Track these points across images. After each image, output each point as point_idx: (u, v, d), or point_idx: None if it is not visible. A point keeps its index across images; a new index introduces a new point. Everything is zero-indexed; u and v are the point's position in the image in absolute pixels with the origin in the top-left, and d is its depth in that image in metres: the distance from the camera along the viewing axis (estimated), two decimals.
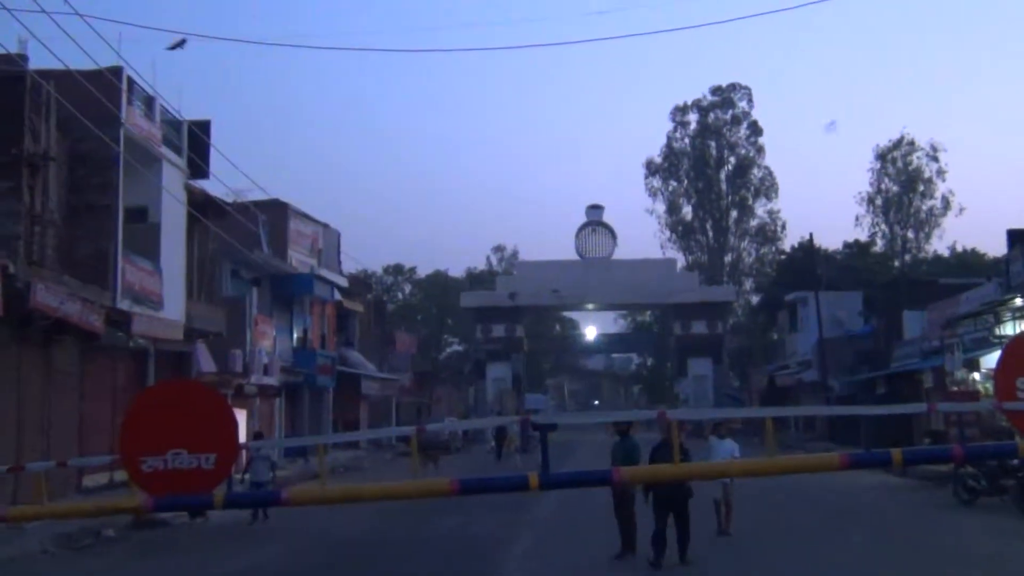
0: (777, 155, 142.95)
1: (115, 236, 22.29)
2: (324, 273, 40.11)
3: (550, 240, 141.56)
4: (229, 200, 29.30)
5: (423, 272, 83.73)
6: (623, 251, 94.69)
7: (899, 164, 68.26)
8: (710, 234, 75.61)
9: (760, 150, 76.00)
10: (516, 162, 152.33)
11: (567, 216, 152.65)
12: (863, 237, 65.64)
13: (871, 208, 68.19)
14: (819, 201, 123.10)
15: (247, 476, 17.31)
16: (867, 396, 37.40)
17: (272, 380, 32.72)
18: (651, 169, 77.04)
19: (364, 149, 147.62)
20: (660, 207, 76.64)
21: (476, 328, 62.94)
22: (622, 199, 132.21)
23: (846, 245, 63.04)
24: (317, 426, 38.32)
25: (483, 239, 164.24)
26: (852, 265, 57.23)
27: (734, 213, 75.78)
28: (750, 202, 75.54)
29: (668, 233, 76.07)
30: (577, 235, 63.94)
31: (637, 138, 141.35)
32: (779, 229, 75.11)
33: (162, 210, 24.64)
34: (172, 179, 25.27)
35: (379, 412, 49.14)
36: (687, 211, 76.73)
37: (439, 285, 73.10)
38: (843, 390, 41.67)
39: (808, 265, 47.43)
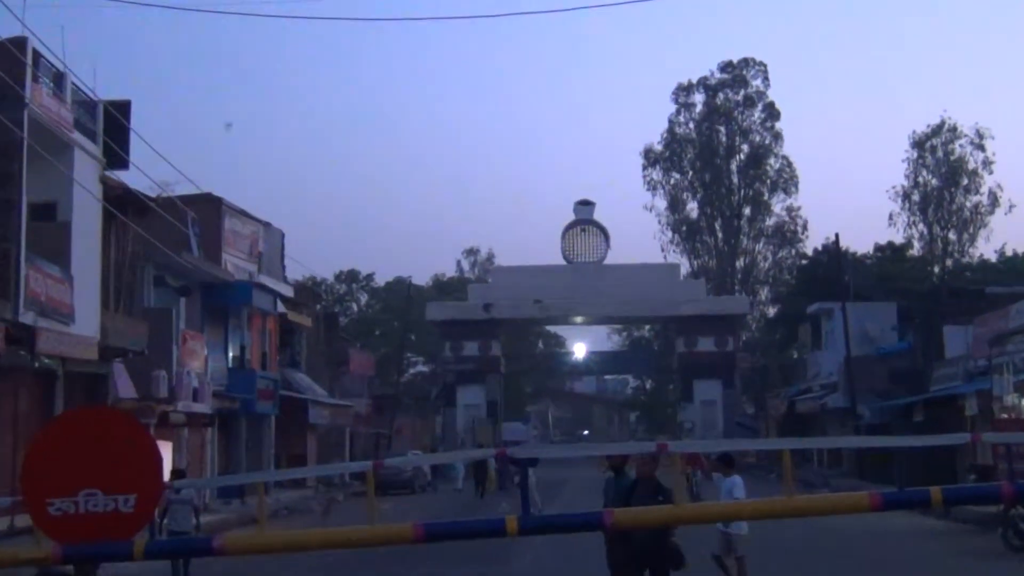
0: (797, 143, 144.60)
1: (17, 237, 22.16)
2: (265, 280, 39.97)
3: (531, 242, 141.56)
4: (153, 195, 29.21)
5: (382, 279, 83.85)
6: (617, 255, 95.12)
7: (939, 154, 68.77)
8: (719, 235, 75.99)
9: (777, 137, 76.56)
10: (490, 152, 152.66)
11: (551, 214, 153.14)
12: (897, 239, 66.19)
13: (907, 205, 68.74)
14: (846, 197, 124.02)
15: (165, 523, 17.10)
16: (902, 425, 37.60)
17: (203, 407, 32.58)
18: (650, 159, 77.38)
19: (313, 138, 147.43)
20: (660, 203, 77.08)
21: (444, 345, 62.93)
22: (616, 194, 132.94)
23: (878, 248, 63.49)
24: (256, 461, 38.15)
25: (452, 241, 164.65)
26: (885, 272, 57.59)
27: (747, 210, 76.21)
28: (766, 197, 76.01)
29: (670, 234, 76.50)
30: (563, 236, 64.13)
31: (633, 123, 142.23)
32: (800, 229, 75.70)
33: (73, 206, 24.51)
34: (85, 170, 25.14)
35: (330, 444, 48.94)
36: (692, 208, 77.15)
37: (401, 295, 72.89)
38: (874, 418, 41.85)
39: (834, 271, 47.68)
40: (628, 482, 11.50)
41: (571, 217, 64.45)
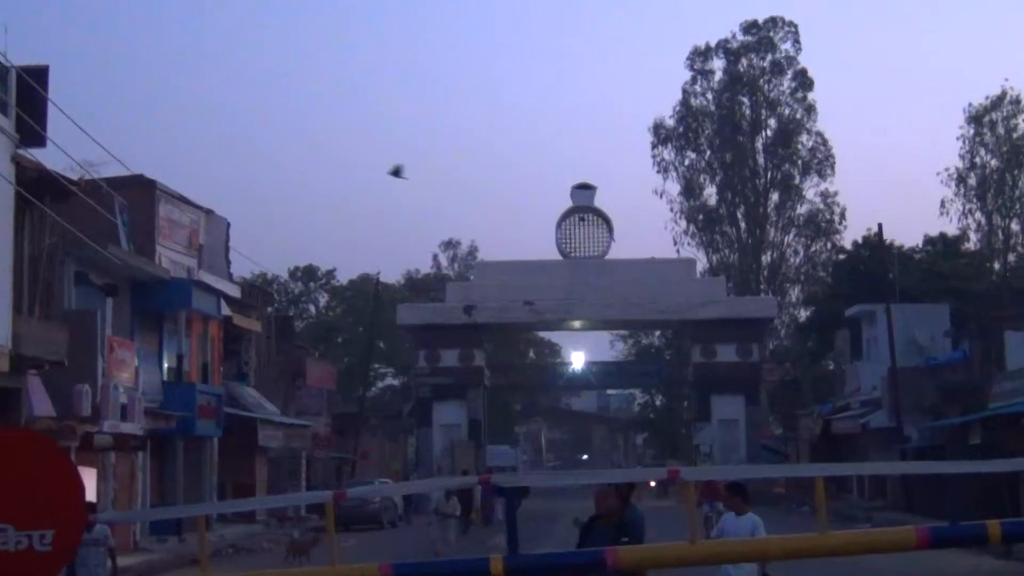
0: (833, 117, 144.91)
1: None
2: (207, 278, 39.90)
3: (521, 233, 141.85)
4: (75, 177, 29.13)
5: (344, 276, 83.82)
6: (622, 248, 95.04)
7: (999, 130, 68.82)
8: (742, 225, 76.10)
9: (810, 109, 76.62)
10: (472, 129, 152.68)
11: (544, 201, 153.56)
12: (951, 230, 66.26)
13: (961, 190, 68.81)
14: (890, 181, 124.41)
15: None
16: (956, 448, 37.68)
17: (133, 427, 32.51)
18: (660, 135, 77.39)
19: (263, 116, 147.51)
20: (673, 187, 77.07)
21: (418, 354, 62.85)
22: (621, 177, 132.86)
23: (928, 241, 63.61)
24: (196, 490, 38.08)
25: (428, 232, 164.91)
26: (936, 268, 57.70)
27: (775, 196, 76.29)
28: (797, 181, 76.13)
29: (684, 223, 76.50)
30: (559, 226, 64.11)
31: (641, 93, 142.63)
32: (836, 219, 75.84)
33: None
34: None
35: (283, 471, 48.87)
36: (710, 193, 77.20)
37: (367, 295, 72.87)
38: (924, 440, 41.95)
39: (876, 268, 47.83)
40: (588, 519, 11.28)
41: (567, 204, 64.40)
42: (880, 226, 46.92)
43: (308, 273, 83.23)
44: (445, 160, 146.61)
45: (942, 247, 62.46)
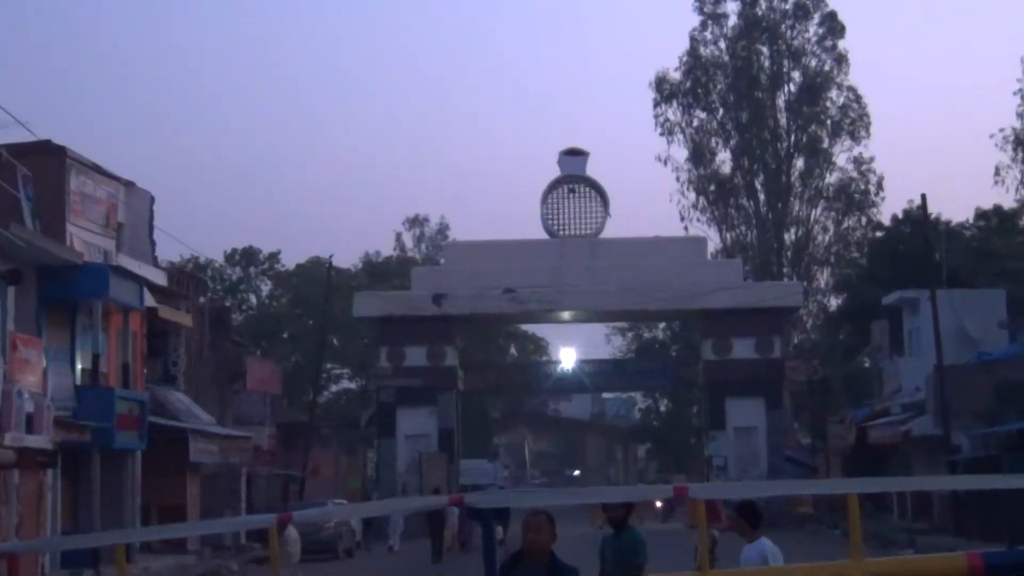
0: (867, 69, 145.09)
1: None
2: (127, 263, 39.69)
3: (500, 208, 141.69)
4: None
5: (291, 260, 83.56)
6: (620, 225, 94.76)
7: None
8: (761, 197, 76.21)
9: (841, 60, 76.76)
10: (440, 84, 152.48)
11: (527, 169, 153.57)
12: (1007, 202, 66.41)
13: (1019, 155, 68.97)
14: (935, 144, 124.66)
15: None
16: (1014, 459, 37.77)
17: (41, 440, 32.34)
18: (664, 92, 77.40)
19: (192, 76, 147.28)
20: (679, 153, 77.15)
21: (379, 352, 62.80)
22: (617, 141, 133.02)
23: (980, 215, 63.77)
24: (116, 514, 37.95)
25: (390, 207, 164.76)
26: (989, 248, 57.81)
27: (800, 162, 76.43)
28: (825, 144, 76.29)
29: (693, 195, 76.61)
30: (544, 199, 64.08)
31: (641, 42, 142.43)
32: (872, 189, 76.07)
33: None
34: None
35: (219, 491, 48.71)
36: (723, 159, 77.31)
37: (318, 281, 72.61)
38: (975, 449, 42.03)
39: (919, 247, 47.87)
40: (515, 552, 10.74)
41: (555, 173, 64.35)
42: (923, 198, 47.07)
43: (247, 256, 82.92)
44: (409, 122, 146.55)
45: (996, 222, 62.60)
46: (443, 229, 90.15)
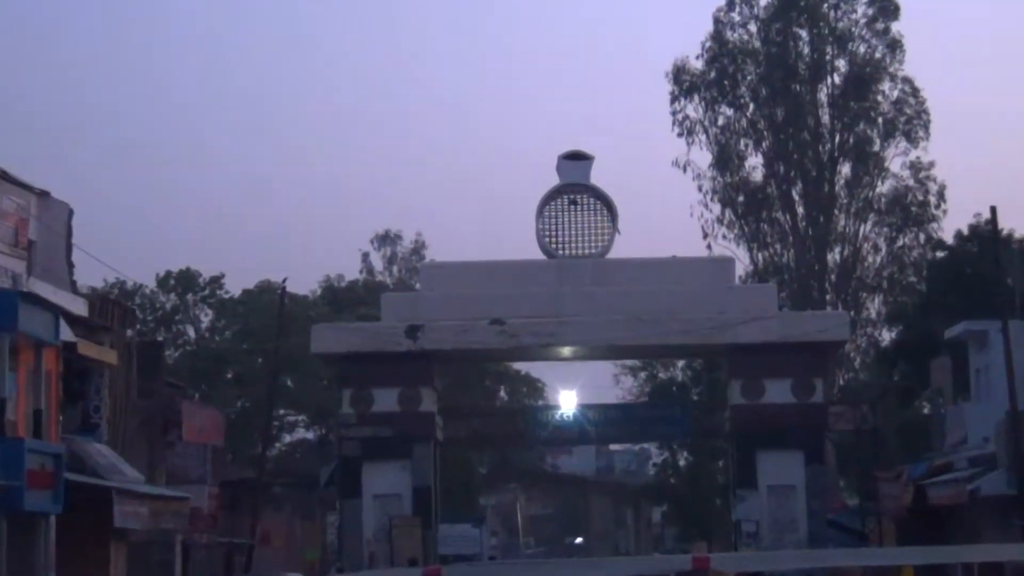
0: (925, 58, 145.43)
1: None
2: (41, 288, 39.67)
3: (487, 222, 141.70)
4: None
5: (237, 285, 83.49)
6: (631, 243, 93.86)
7: None
8: (799, 210, 76.25)
9: (895, 47, 76.93)
10: (416, 77, 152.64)
11: (520, 177, 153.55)
12: None
13: None
14: (1006, 148, 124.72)
15: None
16: None
17: None
18: (683, 84, 77.57)
19: (119, 75, 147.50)
20: (702, 158, 77.24)
21: (342, 395, 62.61)
22: (627, 142, 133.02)
23: None
24: None
25: (355, 220, 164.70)
26: None
27: (845, 168, 76.58)
28: (876, 147, 76.40)
29: (718, 207, 76.63)
30: (541, 213, 63.87)
31: (657, 25, 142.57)
32: (933, 200, 76.12)
33: None
34: None
35: (150, 563, 48.68)
36: (754, 164, 77.37)
37: (268, 311, 72.62)
38: None
39: (988, 269, 47.88)
40: None
41: (552, 180, 64.27)
42: (993, 211, 46.98)
43: (184, 280, 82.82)
44: (377, 120, 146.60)
45: None
46: (419, 248, 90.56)
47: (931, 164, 76.63)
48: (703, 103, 77.33)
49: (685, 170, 77.32)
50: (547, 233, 63.63)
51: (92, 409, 46.45)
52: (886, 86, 76.73)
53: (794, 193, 76.61)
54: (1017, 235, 60.76)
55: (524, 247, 64.76)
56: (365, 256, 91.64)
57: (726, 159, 76.77)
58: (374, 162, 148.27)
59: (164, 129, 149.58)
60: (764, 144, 77.00)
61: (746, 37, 77.71)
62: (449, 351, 62.75)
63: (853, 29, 77.05)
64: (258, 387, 71.93)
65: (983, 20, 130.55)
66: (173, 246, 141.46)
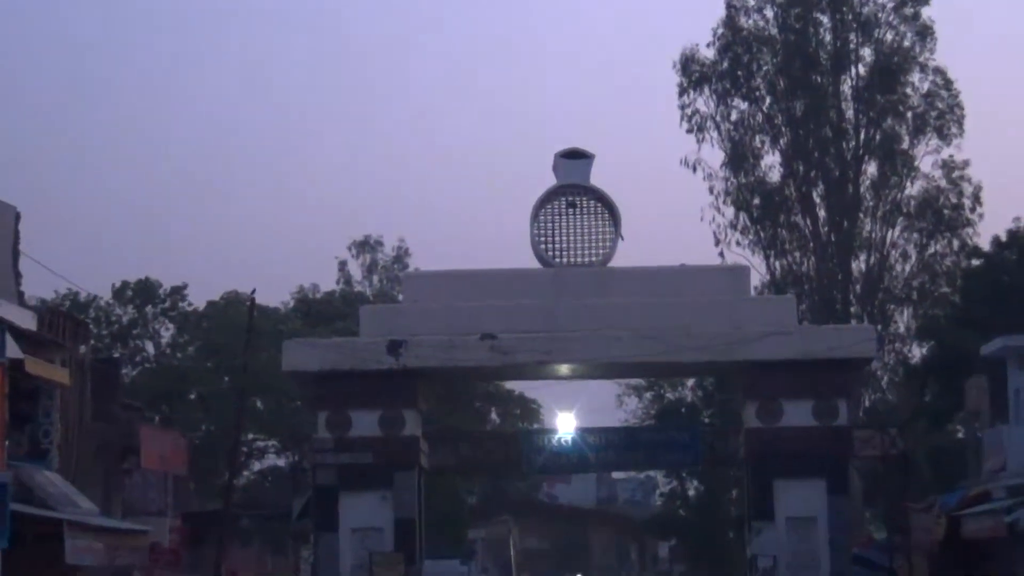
0: (958, 48, 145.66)
1: None
2: None
3: (476, 227, 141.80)
4: None
5: (201, 296, 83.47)
6: (635, 250, 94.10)
7: None
8: (821, 213, 76.25)
9: (926, 34, 76.89)
10: (398, 68, 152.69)
11: (513, 177, 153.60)
12: None
13: None
14: None
15: None
16: None
17: None
18: (692, 75, 77.58)
19: (78, 61, 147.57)
20: (713, 156, 77.23)
21: (318, 418, 62.57)
22: (630, 140, 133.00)
23: None
24: None
25: (332, 225, 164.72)
26: None
27: (871, 169, 76.56)
28: (905, 144, 76.40)
29: (731, 211, 76.59)
30: (535, 217, 63.77)
31: (663, 10, 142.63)
32: (968, 203, 76.09)
33: None
34: None
35: None
36: (771, 163, 77.37)
37: (236, 325, 72.51)
38: None
39: None
40: None
41: (549, 181, 64.27)
42: None
43: (143, 291, 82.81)
44: (357, 117, 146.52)
45: None
46: (401, 255, 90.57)
47: (965, 163, 76.71)
48: (714, 96, 77.37)
49: (695, 170, 77.37)
50: (543, 239, 63.53)
51: (42, 434, 46.41)
52: (916, 77, 76.82)
53: (815, 195, 76.57)
54: None
55: (518, 255, 64.88)
56: (342, 264, 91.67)
57: (740, 158, 76.77)
58: (352, 161, 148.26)
59: (119, 129, 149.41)
60: (782, 141, 76.99)
61: (762, 23, 77.77)
62: (435, 369, 62.66)
63: (879, 15, 77.07)
64: (225, 409, 71.91)
65: (1022, 5, 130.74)
66: (130, 255, 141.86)
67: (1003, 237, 63.38)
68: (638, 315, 60.74)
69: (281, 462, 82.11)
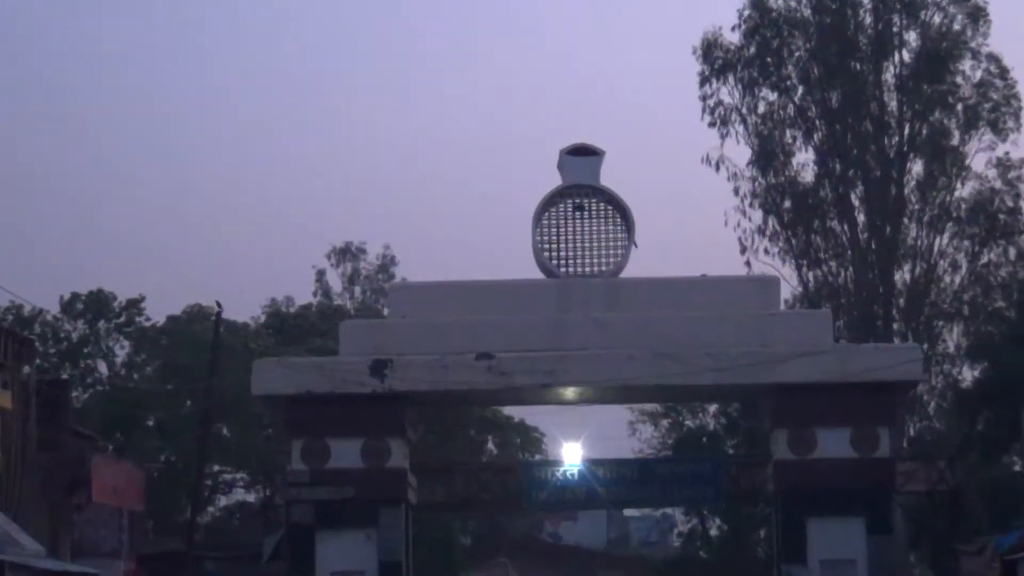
0: (1014, 31, 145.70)
1: None
2: None
3: (470, 233, 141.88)
4: None
5: (161, 310, 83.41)
6: (650, 259, 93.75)
7: None
8: (860, 218, 76.24)
9: (978, 16, 76.90)
10: (383, 54, 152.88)
11: (514, 177, 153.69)
12: None
13: None
14: None
15: None
16: None
17: None
18: (715, 62, 77.75)
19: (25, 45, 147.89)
20: (739, 153, 77.29)
21: (292, 447, 62.60)
22: (645, 135, 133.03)
23: None
24: None
25: (309, 231, 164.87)
26: None
27: (917, 166, 76.54)
28: (955, 140, 76.37)
29: (758, 215, 76.64)
30: (538, 221, 63.78)
31: None
32: None
33: None
34: None
35: None
36: (804, 161, 77.41)
37: (199, 342, 72.56)
38: None
39: None
40: None
41: (554, 181, 64.30)
42: None
43: (95, 305, 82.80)
44: (336, 110, 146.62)
45: None
46: (387, 264, 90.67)
47: (1023, 162, 76.62)
48: (740, 85, 77.46)
49: (718, 169, 77.44)
50: (547, 246, 63.44)
51: None
52: (967, 65, 76.85)
53: (853, 197, 76.55)
54: None
55: (518, 264, 64.86)
56: (320, 274, 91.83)
57: (769, 155, 76.75)
58: (333, 160, 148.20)
59: (66, 126, 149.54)
60: (816, 136, 77.00)
61: (794, 3, 77.85)
62: (425, 392, 62.56)
63: None
64: (187, 437, 71.86)
65: None
66: (81, 263, 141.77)
67: None
68: (654, 332, 60.66)
69: (251, 497, 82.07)
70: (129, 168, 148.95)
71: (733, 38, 77.53)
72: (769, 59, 77.26)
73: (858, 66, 76.67)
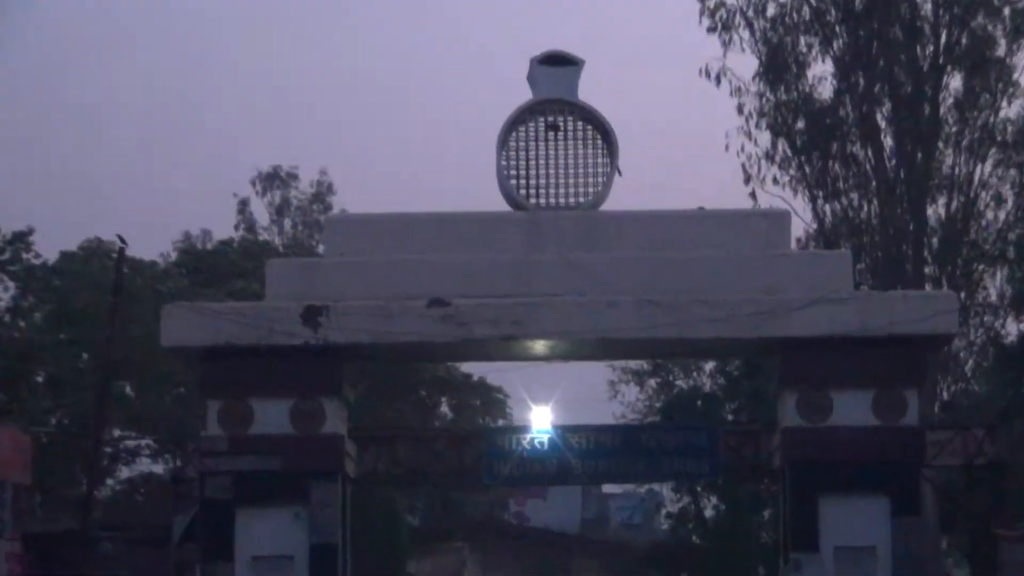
0: None
1: None
2: None
3: (422, 156, 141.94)
4: None
5: (53, 245, 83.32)
6: (637, 189, 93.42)
7: None
8: (887, 141, 76.22)
9: None
10: None
11: (474, 89, 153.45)
12: None
13: None
14: None
15: None
16: None
17: None
18: None
19: None
20: (744, 63, 77.30)
21: (209, 410, 62.37)
22: (632, 40, 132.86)
23: None
24: None
25: (230, 151, 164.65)
26: None
27: (955, 82, 76.62)
28: (1000, 51, 76.58)
29: (767, 138, 76.67)
30: (504, 142, 63.54)
31: None
32: None
33: None
34: None
35: None
36: (821, 74, 77.53)
37: (99, 283, 72.30)
38: None
39: None
40: None
41: (524, 95, 64.10)
42: None
43: None
44: (268, 7, 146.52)
45: None
46: (323, 193, 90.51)
47: None
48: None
49: (719, 82, 77.29)
50: (514, 173, 63.12)
51: None
52: None
53: (879, 117, 76.44)
54: None
55: (481, 195, 64.66)
56: (243, 204, 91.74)
57: (779, 67, 76.61)
58: (258, 70, 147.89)
59: None
60: (836, 45, 76.86)
61: None
62: (366, 345, 62.40)
63: None
64: (83, 397, 71.71)
65: None
66: None
67: None
68: (640, 275, 60.48)
69: (158, 468, 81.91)
70: (11, 75, 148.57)
71: None
72: None
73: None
